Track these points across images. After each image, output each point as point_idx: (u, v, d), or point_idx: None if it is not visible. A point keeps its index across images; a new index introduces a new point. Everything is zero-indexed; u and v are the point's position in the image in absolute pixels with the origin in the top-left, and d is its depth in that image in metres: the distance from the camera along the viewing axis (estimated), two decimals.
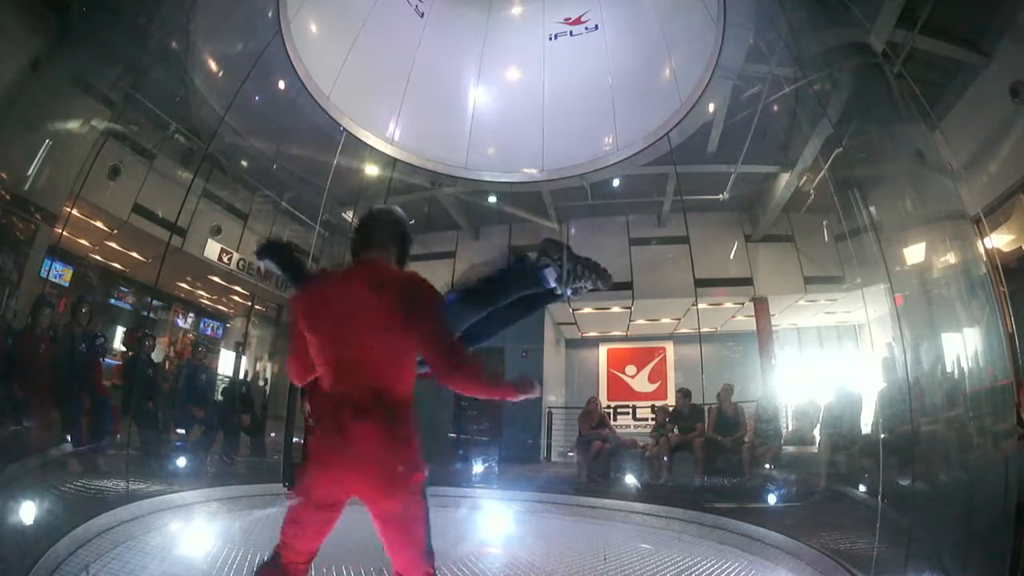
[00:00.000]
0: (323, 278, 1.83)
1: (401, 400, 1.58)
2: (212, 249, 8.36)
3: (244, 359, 10.34)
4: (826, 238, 8.31)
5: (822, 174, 6.46)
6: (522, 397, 1.70)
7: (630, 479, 6.65)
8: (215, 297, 10.84)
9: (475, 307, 1.91)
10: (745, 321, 9.93)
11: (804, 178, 7.36)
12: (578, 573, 3.58)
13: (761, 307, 9.28)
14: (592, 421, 7.31)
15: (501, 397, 1.73)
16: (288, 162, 8.02)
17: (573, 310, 10.04)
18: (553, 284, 1.84)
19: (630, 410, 11.11)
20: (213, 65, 6.35)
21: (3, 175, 4.72)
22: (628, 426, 10.54)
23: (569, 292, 1.89)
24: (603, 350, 11.77)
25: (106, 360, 6.39)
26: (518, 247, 9.13)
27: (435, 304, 1.63)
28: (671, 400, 9.03)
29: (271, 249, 2.16)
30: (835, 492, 5.39)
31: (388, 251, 1.75)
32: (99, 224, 7.08)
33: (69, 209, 5.59)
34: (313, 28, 6.57)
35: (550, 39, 7.41)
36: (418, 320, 1.57)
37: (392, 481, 1.53)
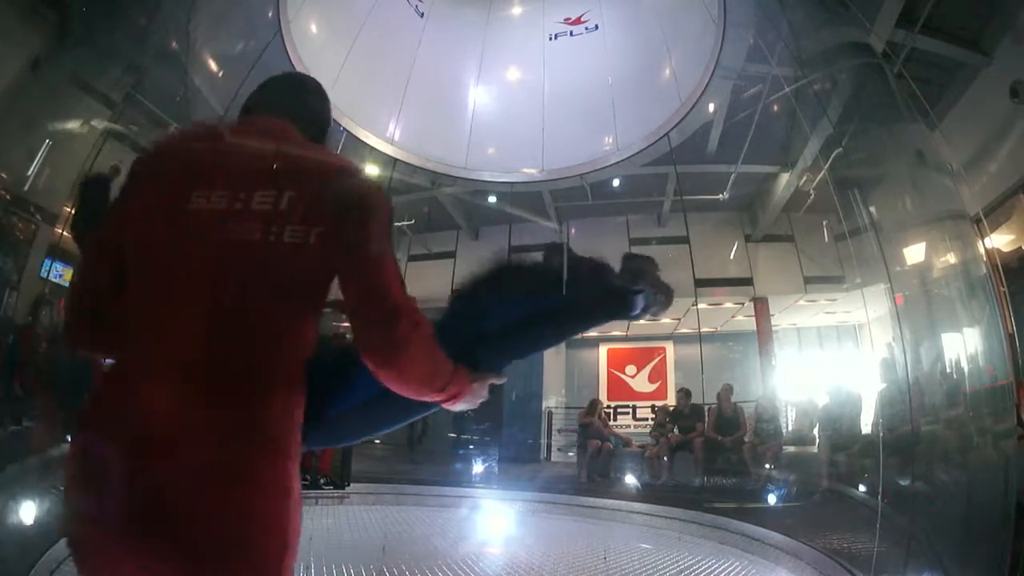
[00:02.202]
0: (183, 137, 1.07)
1: (283, 396, 0.85)
2: None
3: None
4: (826, 238, 8.31)
5: (822, 174, 6.45)
6: (464, 406, 1.04)
7: (630, 479, 6.65)
8: None
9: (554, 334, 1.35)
10: (745, 321, 9.93)
11: (804, 178, 7.37)
12: (578, 573, 3.58)
13: (761, 307, 9.28)
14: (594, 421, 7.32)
15: (442, 401, 1.00)
16: None
17: None
18: (638, 312, 1.34)
19: (630, 410, 11.11)
20: (213, 65, 6.35)
21: (3, 175, 4.72)
22: (628, 426, 10.54)
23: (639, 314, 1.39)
24: (603, 350, 11.77)
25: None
26: (517, 247, 9.13)
27: (386, 223, 0.94)
28: (671, 400, 9.03)
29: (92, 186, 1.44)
30: (835, 492, 5.39)
31: (298, 117, 1.06)
32: None
33: (69, 209, 5.59)
34: (313, 28, 6.58)
35: (550, 39, 7.42)
36: (354, 243, 0.88)
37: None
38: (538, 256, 1.31)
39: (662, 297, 1.33)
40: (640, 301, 1.31)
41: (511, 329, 1.17)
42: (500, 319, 1.16)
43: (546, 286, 1.25)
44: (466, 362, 1.00)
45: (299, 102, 1.12)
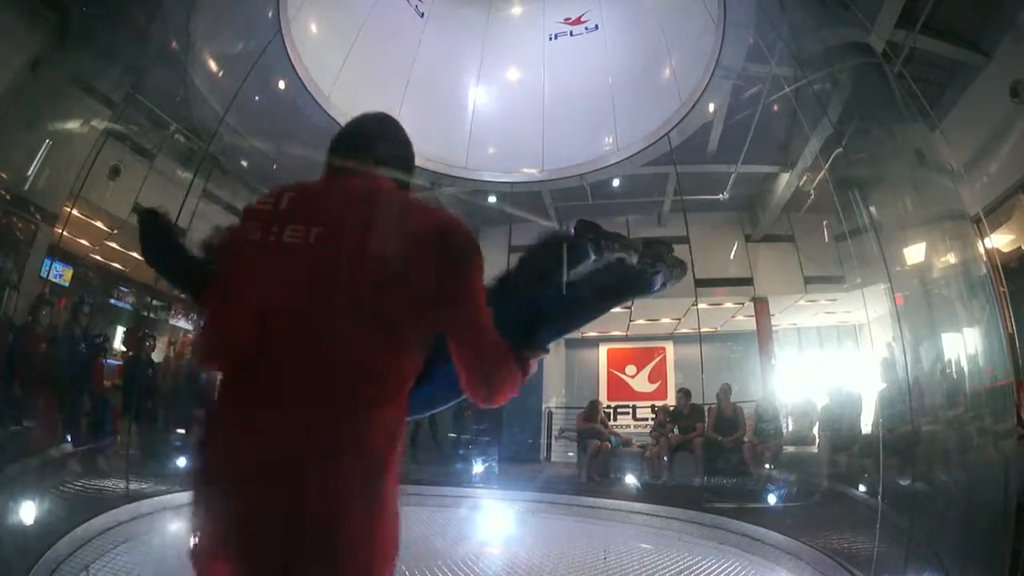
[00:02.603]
0: (279, 194, 1.05)
1: (381, 429, 0.88)
2: None
3: None
4: (826, 238, 8.31)
5: (822, 174, 6.45)
6: None
7: (630, 479, 6.65)
8: None
9: (568, 320, 1.41)
10: (745, 321, 9.93)
11: (804, 178, 7.36)
12: (578, 573, 3.58)
13: (761, 307, 9.28)
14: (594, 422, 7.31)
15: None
16: (288, 162, 8.01)
17: None
18: (657, 288, 1.46)
19: (630, 410, 11.11)
20: (213, 65, 6.35)
21: (3, 175, 4.72)
22: (628, 426, 10.54)
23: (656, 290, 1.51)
24: (603, 350, 11.77)
25: (107, 360, 6.39)
26: (517, 247, 9.13)
27: (479, 270, 0.98)
28: (671, 400, 9.03)
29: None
30: (835, 492, 5.39)
31: (388, 169, 1.09)
32: (99, 224, 7.08)
33: (69, 209, 5.59)
34: (313, 28, 6.59)
35: (550, 39, 7.42)
36: (453, 287, 0.93)
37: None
38: (572, 239, 1.38)
39: (678, 271, 1.47)
40: (659, 280, 1.44)
41: (557, 309, 1.29)
42: (548, 301, 1.26)
43: (584, 271, 1.38)
44: (517, 339, 1.06)
45: (390, 150, 1.14)
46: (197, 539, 0.85)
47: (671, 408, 7.61)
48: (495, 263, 1.17)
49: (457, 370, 0.97)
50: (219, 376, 0.93)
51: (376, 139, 1.13)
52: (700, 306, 8.73)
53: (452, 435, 7.99)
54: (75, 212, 5.83)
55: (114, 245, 7.76)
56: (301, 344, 0.86)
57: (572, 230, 1.43)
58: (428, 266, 0.91)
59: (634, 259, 1.45)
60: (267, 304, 0.89)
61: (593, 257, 1.40)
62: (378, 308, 0.88)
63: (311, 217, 0.94)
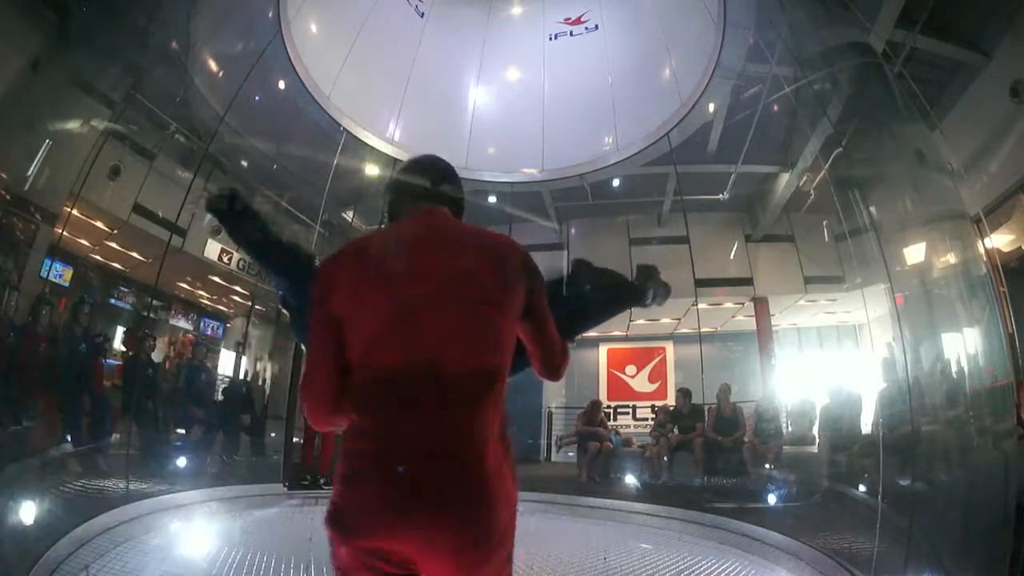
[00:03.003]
0: (368, 234, 1.33)
1: (502, 417, 1.13)
2: (212, 249, 8.36)
3: (244, 359, 10.34)
4: (826, 238, 8.31)
5: (822, 174, 6.45)
6: None
7: (630, 479, 6.65)
8: (215, 297, 10.84)
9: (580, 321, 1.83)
10: (745, 321, 9.93)
11: (804, 178, 7.36)
12: (578, 573, 3.58)
13: (761, 307, 9.28)
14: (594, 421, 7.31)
15: None
16: (288, 162, 8.01)
17: None
18: (649, 302, 1.95)
19: (630, 410, 11.11)
20: (213, 65, 6.35)
21: (3, 175, 4.72)
22: (628, 426, 10.54)
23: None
24: (603, 350, 11.76)
25: (107, 360, 6.39)
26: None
27: (543, 282, 1.27)
28: (671, 400, 9.03)
29: (226, 204, 1.64)
30: (835, 492, 5.39)
31: (452, 209, 1.32)
32: (99, 224, 7.08)
33: (69, 209, 5.59)
34: (313, 28, 6.58)
35: (550, 39, 7.42)
36: (537, 296, 1.21)
37: (495, 524, 1.05)
38: (598, 267, 1.86)
39: (663, 291, 1.93)
40: (650, 294, 1.91)
41: (580, 310, 1.74)
42: (581, 304, 1.74)
43: (605, 285, 1.88)
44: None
45: (454, 192, 1.36)
46: (360, 517, 1.02)
47: (671, 408, 7.61)
48: None
49: (532, 359, 1.29)
50: (376, 386, 1.08)
51: (454, 181, 1.37)
52: (700, 306, 8.73)
53: None
54: (75, 212, 5.83)
55: (114, 245, 7.76)
56: (459, 357, 1.07)
57: (572, 269, 1.84)
58: (524, 283, 1.17)
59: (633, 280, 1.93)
60: (429, 328, 1.08)
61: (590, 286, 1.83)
62: (502, 322, 1.13)
63: (445, 251, 1.17)
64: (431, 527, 1.00)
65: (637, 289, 1.92)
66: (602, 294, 1.87)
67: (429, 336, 1.08)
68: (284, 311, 1.80)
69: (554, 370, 1.31)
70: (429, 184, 1.32)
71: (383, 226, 1.34)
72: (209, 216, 1.66)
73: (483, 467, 1.04)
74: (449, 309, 1.10)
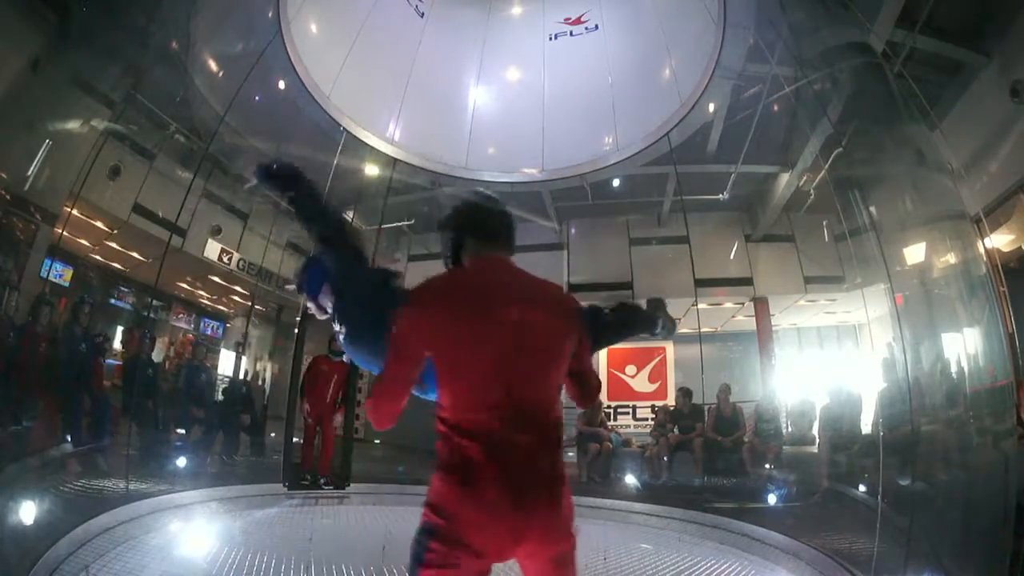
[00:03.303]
0: (452, 275, 1.49)
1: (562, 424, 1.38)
2: (212, 249, 8.36)
3: (244, 359, 10.34)
4: (826, 238, 8.31)
5: (822, 174, 6.45)
6: None
7: (630, 479, 6.65)
8: (215, 297, 10.85)
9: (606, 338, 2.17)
10: (745, 321, 9.93)
11: (804, 178, 7.36)
12: (578, 573, 3.57)
13: (761, 307, 9.28)
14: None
15: None
16: (288, 162, 8.00)
17: None
18: (658, 331, 2.28)
19: (630, 410, 11.10)
20: (213, 65, 6.35)
21: (3, 175, 4.72)
22: (628, 426, 10.54)
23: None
24: (603, 350, 11.76)
25: (107, 360, 6.38)
26: (518, 247, 9.12)
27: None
28: (671, 400, 9.02)
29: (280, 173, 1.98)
30: (835, 492, 5.39)
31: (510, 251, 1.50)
32: (99, 224, 7.08)
33: (69, 209, 5.59)
34: (313, 28, 6.58)
35: (550, 39, 7.42)
36: (585, 341, 1.43)
37: (570, 520, 1.31)
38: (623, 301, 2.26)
39: (671, 323, 2.31)
40: (660, 323, 2.27)
41: (602, 338, 2.09)
42: (604, 332, 2.08)
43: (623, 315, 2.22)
44: None
45: (510, 241, 1.50)
46: (461, 528, 1.18)
47: (671, 408, 7.60)
48: None
49: (573, 389, 1.44)
50: (468, 419, 1.25)
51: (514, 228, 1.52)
52: (700, 306, 8.72)
53: None
54: (75, 212, 5.83)
55: (114, 245, 7.76)
56: (545, 404, 1.30)
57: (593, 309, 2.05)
58: (580, 332, 1.38)
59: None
60: (517, 369, 1.26)
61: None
62: (565, 367, 1.35)
63: (519, 298, 1.32)
64: (539, 553, 1.27)
65: (651, 319, 2.25)
66: (620, 323, 2.17)
67: (524, 384, 1.26)
68: (336, 327, 1.80)
69: (592, 399, 1.49)
70: (506, 234, 1.48)
71: (457, 267, 1.50)
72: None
73: (569, 497, 1.29)
74: (540, 359, 1.30)
